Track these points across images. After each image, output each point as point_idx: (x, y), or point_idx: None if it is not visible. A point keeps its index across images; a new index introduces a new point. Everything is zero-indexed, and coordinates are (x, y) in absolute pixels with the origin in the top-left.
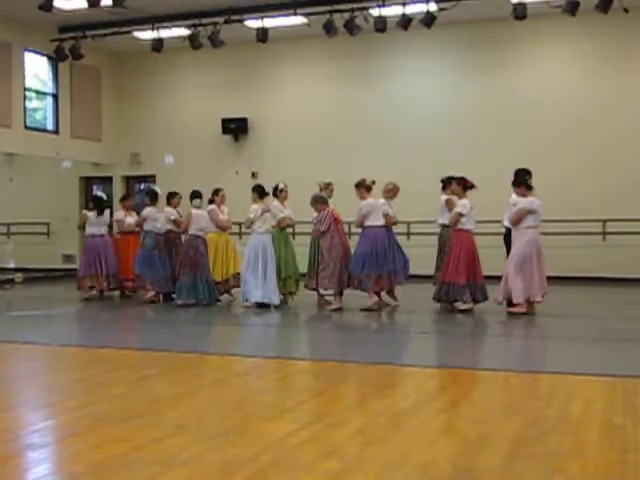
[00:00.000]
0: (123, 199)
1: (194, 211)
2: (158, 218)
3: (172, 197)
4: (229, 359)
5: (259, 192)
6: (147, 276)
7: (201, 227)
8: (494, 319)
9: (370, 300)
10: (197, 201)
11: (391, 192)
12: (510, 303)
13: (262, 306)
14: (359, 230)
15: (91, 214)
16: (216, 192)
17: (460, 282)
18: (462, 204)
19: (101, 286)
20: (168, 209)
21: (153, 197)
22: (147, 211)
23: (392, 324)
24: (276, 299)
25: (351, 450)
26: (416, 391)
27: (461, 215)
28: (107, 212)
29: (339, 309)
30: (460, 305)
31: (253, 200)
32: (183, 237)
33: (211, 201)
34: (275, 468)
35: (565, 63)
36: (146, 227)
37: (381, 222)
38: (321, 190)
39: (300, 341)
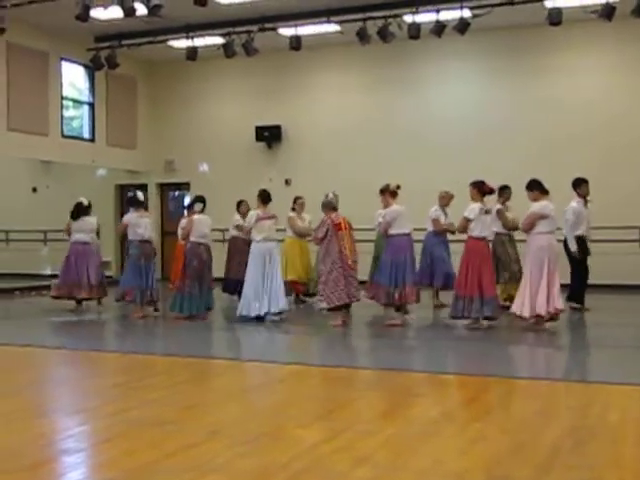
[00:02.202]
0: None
1: (196, 217)
2: (140, 224)
3: (240, 204)
4: (262, 366)
5: (262, 198)
6: (134, 287)
7: (203, 234)
8: (527, 327)
9: (390, 319)
10: (199, 205)
11: (444, 200)
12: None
13: (259, 319)
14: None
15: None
16: (295, 200)
17: (469, 295)
18: (470, 209)
19: (85, 294)
20: (235, 216)
21: (135, 203)
22: (127, 217)
23: (424, 332)
24: (276, 307)
25: (384, 458)
26: (449, 399)
27: (468, 220)
28: (89, 219)
29: (341, 325)
30: (469, 323)
31: (257, 206)
32: (188, 245)
33: (293, 209)
34: (308, 475)
35: (598, 68)
36: (129, 235)
37: (407, 230)
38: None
39: (331, 349)
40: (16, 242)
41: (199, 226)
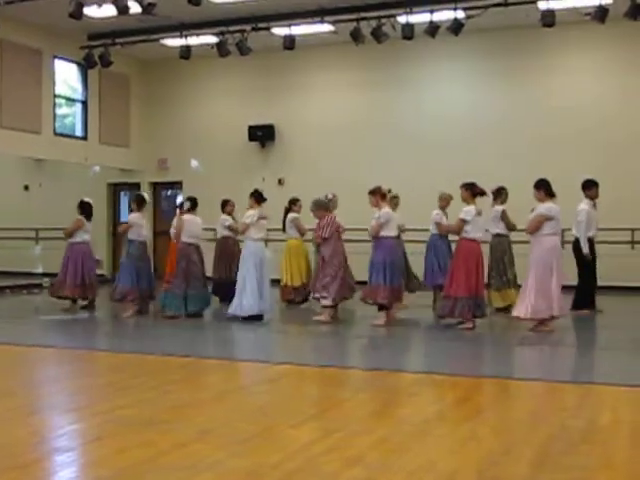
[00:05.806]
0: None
1: (186, 217)
2: (143, 225)
3: (226, 204)
4: (254, 366)
5: (256, 198)
6: (130, 288)
7: (193, 234)
8: (520, 328)
9: (380, 318)
10: (187, 204)
11: (444, 202)
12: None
13: (253, 318)
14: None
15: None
16: (294, 202)
17: (462, 296)
18: (466, 211)
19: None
20: (223, 216)
21: (140, 203)
22: (132, 217)
23: (415, 332)
24: (268, 308)
25: (375, 458)
26: (441, 399)
27: (464, 222)
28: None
29: (328, 322)
30: (462, 325)
31: (250, 206)
32: (179, 245)
33: (287, 210)
34: (299, 475)
35: (592, 69)
36: (130, 235)
37: (395, 233)
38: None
39: (324, 349)
40: (8, 240)
41: (189, 226)
